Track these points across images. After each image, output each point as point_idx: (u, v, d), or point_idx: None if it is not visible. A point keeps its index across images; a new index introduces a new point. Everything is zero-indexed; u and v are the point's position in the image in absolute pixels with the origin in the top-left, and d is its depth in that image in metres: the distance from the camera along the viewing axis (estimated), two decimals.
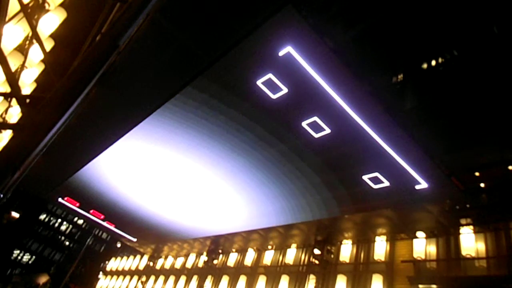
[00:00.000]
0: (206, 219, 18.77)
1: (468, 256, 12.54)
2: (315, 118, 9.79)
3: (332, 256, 16.72)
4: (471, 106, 9.27)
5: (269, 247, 20.94)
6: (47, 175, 18.55)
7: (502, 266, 11.65)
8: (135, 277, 33.48)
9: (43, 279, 35.10)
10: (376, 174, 10.78)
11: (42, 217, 63.03)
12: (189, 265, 27.31)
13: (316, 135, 10.33)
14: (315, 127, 10.07)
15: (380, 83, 9.80)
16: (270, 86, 9.25)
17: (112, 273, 38.81)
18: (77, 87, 3.88)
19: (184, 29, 8.81)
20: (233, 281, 22.01)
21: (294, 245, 19.60)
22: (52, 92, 3.90)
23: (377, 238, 15.84)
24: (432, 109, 9.85)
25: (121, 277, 36.35)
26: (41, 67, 7.01)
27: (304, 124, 10.11)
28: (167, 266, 29.99)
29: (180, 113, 11.27)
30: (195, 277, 25.59)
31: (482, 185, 11.74)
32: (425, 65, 9.80)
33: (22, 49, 6.24)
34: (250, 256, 22.22)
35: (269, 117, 10.36)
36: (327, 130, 10.01)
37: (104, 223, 24.27)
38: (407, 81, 10.08)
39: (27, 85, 7.29)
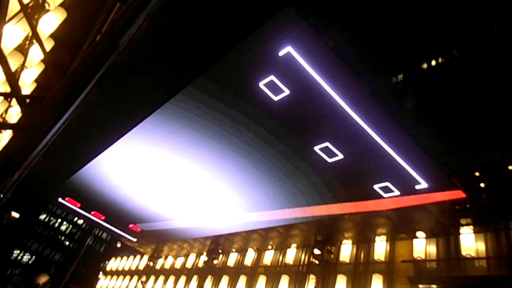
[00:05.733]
0: (206, 219, 18.77)
1: (468, 256, 12.54)
2: (316, 121, 9.80)
3: (332, 256, 16.73)
4: (471, 106, 9.27)
5: (269, 247, 20.94)
6: (47, 175, 18.53)
7: (502, 266, 11.65)
8: (135, 277, 33.47)
9: (43, 279, 35.07)
10: (379, 177, 10.80)
11: (42, 217, 62.94)
12: (189, 265, 27.31)
13: (318, 142, 10.36)
14: (316, 129, 10.08)
15: (380, 83, 9.79)
16: (272, 87, 9.24)
17: (112, 273, 38.80)
18: (77, 87, 3.88)
19: (184, 29, 8.80)
20: (233, 281, 22.01)
21: (294, 245, 19.60)
22: (52, 92, 3.90)
23: (377, 238, 15.84)
24: (432, 109, 9.84)
25: (121, 277, 36.34)
26: (41, 67, 7.01)
27: (304, 125, 10.12)
28: (167, 266, 29.98)
29: (180, 113, 11.27)
30: (195, 277, 25.60)
31: (482, 185, 11.74)
32: (425, 65, 9.79)
33: (22, 49, 6.24)
34: (250, 256, 22.22)
35: (270, 118, 10.36)
36: (328, 132, 10.02)
37: (104, 223, 24.26)
38: (407, 81, 10.08)
39: (27, 85, 7.29)
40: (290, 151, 11.44)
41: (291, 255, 19.50)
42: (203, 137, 12.22)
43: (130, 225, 23.30)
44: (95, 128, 13.48)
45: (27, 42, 6.35)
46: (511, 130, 9.36)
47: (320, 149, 10.66)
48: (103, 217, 23.43)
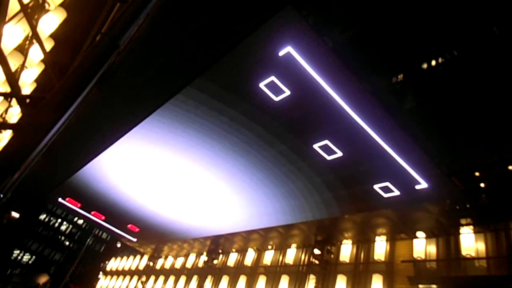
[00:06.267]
0: (206, 219, 18.77)
1: (468, 256, 12.53)
2: (316, 121, 9.80)
3: (332, 256, 16.72)
4: (471, 106, 9.28)
5: (269, 247, 20.93)
6: (47, 175, 18.53)
7: (502, 266, 11.65)
8: (135, 277, 33.47)
9: (43, 279, 35.06)
10: (379, 177, 10.80)
11: (42, 217, 63.00)
12: (189, 265, 27.31)
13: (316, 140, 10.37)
14: (315, 129, 10.08)
15: (380, 83, 9.80)
16: (273, 88, 9.23)
17: (112, 273, 38.80)
18: (77, 87, 3.89)
19: (184, 29, 8.81)
20: (233, 281, 22.00)
21: (294, 245, 19.59)
22: (52, 92, 3.90)
23: (377, 238, 15.83)
24: (432, 109, 9.85)
25: (121, 277, 36.34)
26: (41, 67, 7.02)
27: (304, 125, 10.12)
28: (167, 266, 29.98)
29: (180, 113, 11.27)
30: (195, 277, 25.59)
31: (482, 185, 11.74)
32: (425, 65, 9.80)
33: (22, 49, 6.24)
34: (250, 256, 22.21)
35: (271, 118, 10.36)
36: (327, 133, 10.02)
37: (104, 223, 24.27)
38: (407, 81, 10.09)
39: (27, 85, 7.30)
40: (290, 151, 11.44)
41: (291, 255, 19.49)
42: (203, 137, 12.22)
43: (129, 225, 23.35)
44: (95, 128, 13.47)
45: (27, 42, 6.35)
46: (511, 130, 9.36)
47: (320, 147, 10.63)
48: (103, 217, 23.43)
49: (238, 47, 8.51)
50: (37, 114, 3.70)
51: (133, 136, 13.08)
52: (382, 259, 15.21)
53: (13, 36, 5.37)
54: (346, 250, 16.85)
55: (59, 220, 65.78)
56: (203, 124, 11.56)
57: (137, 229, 23.61)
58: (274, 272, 19.72)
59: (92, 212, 23.03)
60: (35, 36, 5.26)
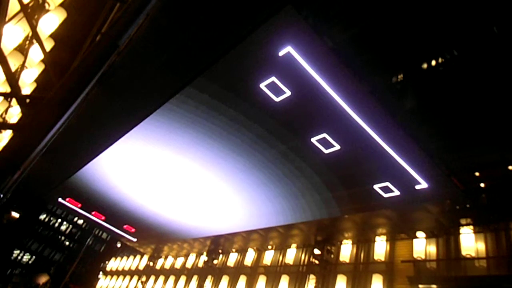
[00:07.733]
0: (206, 219, 18.77)
1: (468, 256, 12.54)
2: (316, 121, 9.80)
3: (332, 256, 16.73)
4: (471, 106, 9.28)
5: (269, 247, 20.93)
6: (47, 175, 18.53)
7: (502, 266, 11.65)
8: (135, 277, 33.47)
9: (43, 279, 35.07)
10: (379, 177, 10.79)
11: (42, 217, 62.92)
12: (189, 265, 27.31)
13: (314, 138, 10.36)
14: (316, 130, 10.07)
15: (380, 83, 9.79)
16: (273, 88, 9.23)
17: (112, 273, 38.80)
18: (77, 87, 3.89)
19: (184, 29, 8.81)
20: (233, 281, 22.01)
21: (294, 245, 19.60)
22: (52, 92, 3.91)
23: (377, 238, 15.84)
24: (432, 109, 9.85)
25: (121, 277, 36.34)
26: (41, 67, 7.02)
27: (304, 125, 10.11)
28: (167, 266, 29.98)
29: (180, 113, 11.27)
30: (195, 277, 25.59)
31: (482, 185, 11.73)
32: (425, 65, 9.80)
33: (22, 49, 6.24)
34: (250, 256, 22.22)
35: (271, 118, 10.36)
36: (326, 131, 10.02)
37: (104, 223, 24.26)
38: (407, 81, 10.09)
39: (27, 85, 7.30)
40: (290, 151, 11.44)
41: (291, 255, 19.49)
42: (203, 137, 12.22)
43: (125, 226, 23.36)
44: (95, 128, 13.48)
45: (27, 42, 6.35)
46: (511, 130, 9.36)
47: (318, 141, 10.59)
48: (103, 217, 23.43)
49: (238, 47, 8.50)
50: (37, 114, 3.70)
51: (133, 136, 13.08)
52: (382, 259, 15.21)
53: (13, 36, 5.37)
54: (346, 250, 16.85)
55: (59, 220, 65.66)
56: (203, 124, 11.55)
57: (133, 229, 23.63)
58: (274, 272, 19.72)
59: (93, 213, 23.03)
60: (35, 36, 5.26)
